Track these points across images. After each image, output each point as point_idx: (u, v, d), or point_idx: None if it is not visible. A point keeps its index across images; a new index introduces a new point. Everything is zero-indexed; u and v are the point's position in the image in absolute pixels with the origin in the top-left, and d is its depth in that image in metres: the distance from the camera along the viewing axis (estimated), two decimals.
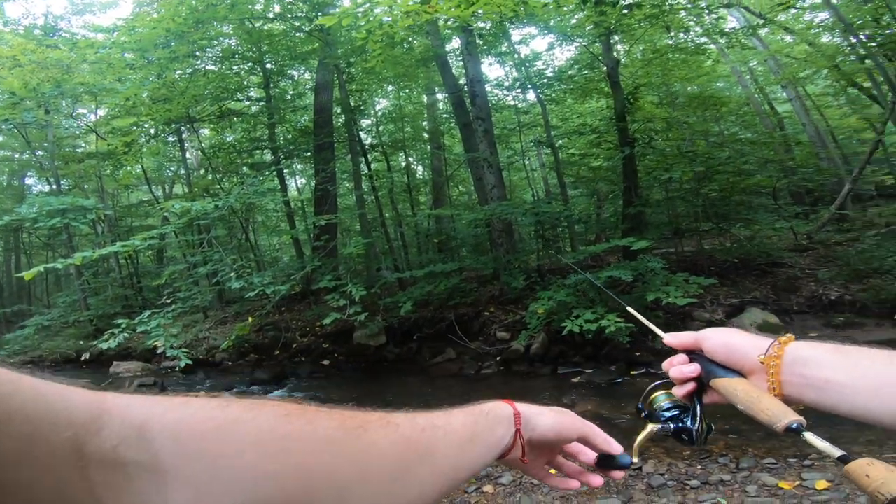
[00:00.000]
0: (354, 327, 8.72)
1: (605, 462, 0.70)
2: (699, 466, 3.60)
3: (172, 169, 16.31)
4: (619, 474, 0.70)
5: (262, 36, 9.84)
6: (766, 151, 9.47)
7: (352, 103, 10.59)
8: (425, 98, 14.32)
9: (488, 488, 3.54)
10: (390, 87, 12.97)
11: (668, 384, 0.77)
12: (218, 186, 11.90)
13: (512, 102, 12.51)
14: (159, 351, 6.72)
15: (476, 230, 10.05)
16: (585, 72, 10.20)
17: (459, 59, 10.66)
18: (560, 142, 10.62)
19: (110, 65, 9.37)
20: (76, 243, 13.45)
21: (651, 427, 0.72)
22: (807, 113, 12.63)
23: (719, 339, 0.69)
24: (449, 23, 8.03)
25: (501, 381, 6.77)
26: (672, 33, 8.88)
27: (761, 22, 9.62)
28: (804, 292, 7.27)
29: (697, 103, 9.36)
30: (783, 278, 7.64)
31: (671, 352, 0.76)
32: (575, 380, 6.26)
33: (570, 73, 10.36)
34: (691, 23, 8.57)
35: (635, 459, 0.70)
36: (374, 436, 0.44)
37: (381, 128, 12.63)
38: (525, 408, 0.64)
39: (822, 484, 3.05)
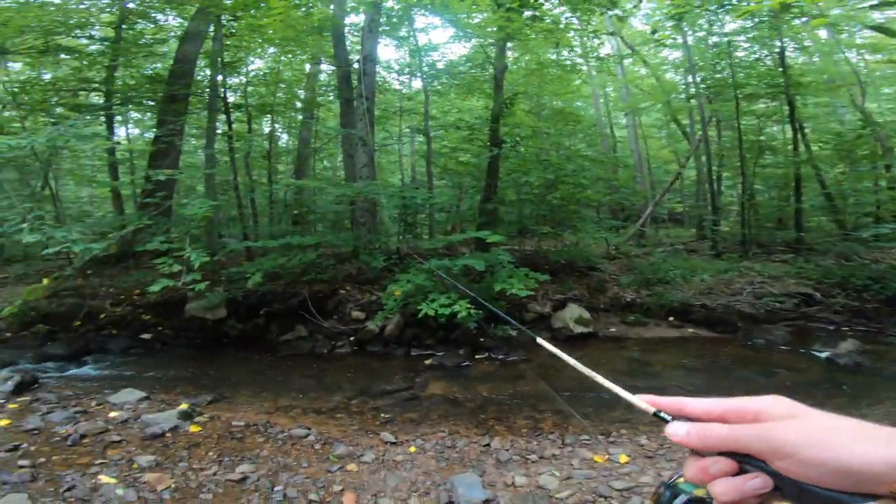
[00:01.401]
0: (187, 298, 7.77)
1: None
2: (535, 442, 3.96)
3: None
4: None
5: None
6: (600, 169, 10.92)
7: (226, 59, 9.43)
8: (307, 67, 13.41)
9: (352, 466, 3.45)
10: (272, 49, 11.83)
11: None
12: (19, 125, 9.64)
13: (397, 86, 12.37)
14: None
15: (338, 206, 9.73)
16: (475, 70, 10.56)
17: (356, 34, 10.19)
18: (435, 133, 10.84)
19: None
20: None
21: None
22: (636, 140, 14.97)
23: (814, 451, 0.44)
24: None
25: (355, 361, 6.65)
26: (558, 48, 9.66)
27: (628, 52, 11.03)
28: (609, 293, 8.62)
29: (560, 117, 10.36)
30: (596, 280, 8.92)
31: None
32: (427, 362, 6.44)
33: (460, 68, 10.64)
34: (575, 43, 9.44)
35: None
36: None
37: (250, 88, 11.45)
38: None
39: (623, 458, 3.54)
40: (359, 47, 9.75)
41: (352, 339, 7.13)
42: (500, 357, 6.54)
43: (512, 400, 5.09)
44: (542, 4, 7.18)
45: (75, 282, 8.69)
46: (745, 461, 0.48)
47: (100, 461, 3.33)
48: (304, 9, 9.09)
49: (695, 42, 10.91)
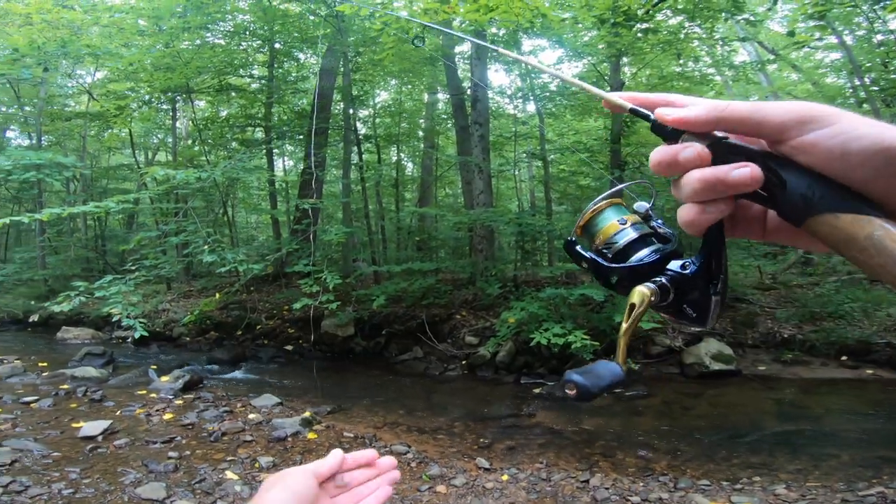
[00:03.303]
0: (323, 315, 8.61)
1: None
2: (641, 483, 3.64)
3: (159, 136, 16.02)
4: None
5: (276, 15, 9.78)
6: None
7: (354, 92, 10.56)
8: (426, 96, 14.37)
9: (441, 488, 3.51)
10: (393, 81, 12.97)
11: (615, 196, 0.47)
12: (204, 159, 11.71)
13: (510, 111, 12.59)
14: (114, 319, 6.51)
15: (457, 233, 10.06)
16: None
17: (466, 62, 10.69)
18: (552, 156, 10.73)
19: (121, 29, 9.26)
20: (45, 199, 13.06)
21: (642, 295, 0.41)
22: None
23: (826, 130, 0.34)
24: (463, 25, 8.08)
25: (464, 384, 6.75)
26: (682, 61, 9.02)
27: (772, 58, 9.85)
28: (760, 328, 7.60)
29: None
30: (743, 313, 7.91)
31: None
32: (536, 390, 6.28)
33: (574, 88, 10.48)
34: (702, 52, 8.72)
35: (624, 367, 0.43)
36: None
37: (377, 120, 12.59)
38: None
39: None
40: (470, 75, 10.12)
41: (463, 363, 7.25)
42: (616, 391, 6.10)
43: (623, 436, 4.73)
44: (653, 16, 6.76)
45: (241, 296, 10.20)
46: (734, 151, 0.37)
47: (230, 458, 3.83)
48: (414, 41, 9.80)
49: (855, 42, 9.30)
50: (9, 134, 18.80)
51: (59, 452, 3.69)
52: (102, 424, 4.17)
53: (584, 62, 10.58)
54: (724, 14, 6.84)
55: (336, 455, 0.69)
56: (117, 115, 10.90)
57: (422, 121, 14.32)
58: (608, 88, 9.09)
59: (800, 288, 9.08)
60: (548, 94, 10.57)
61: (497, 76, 21.19)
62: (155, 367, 6.56)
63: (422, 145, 14.13)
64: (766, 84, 12.05)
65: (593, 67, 9.90)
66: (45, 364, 6.75)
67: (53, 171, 8.63)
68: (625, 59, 9.50)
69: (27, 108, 14.26)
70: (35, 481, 3.19)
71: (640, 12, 6.20)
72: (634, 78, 10.82)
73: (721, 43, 8.21)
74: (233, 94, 12.14)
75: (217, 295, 9.96)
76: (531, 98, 10.65)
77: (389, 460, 0.75)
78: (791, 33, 6.37)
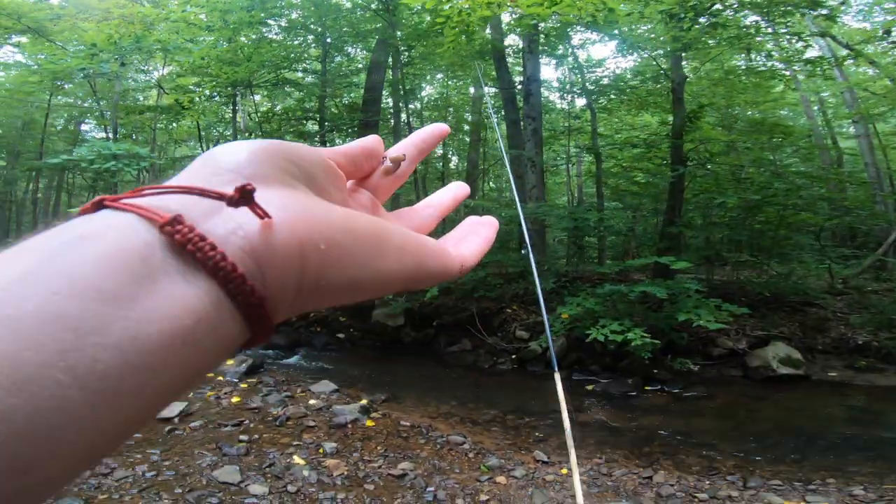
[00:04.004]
0: (374, 305, 8.80)
1: None
2: (707, 482, 3.57)
3: (220, 129, 16.76)
4: None
5: (328, 9, 10.00)
6: (821, 188, 9.15)
7: (406, 86, 10.71)
8: (472, 90, 14.37)
9: (501, 479, 3.54)
10: (439, 75, 13.03)
11: None
12: None
13: (559, 105, 12.35)
14: None
15: (506, 227, 10.01)
16: (648, 84, 9.96)
17: (515, 55, 10.57)
18: (607, 150, 10.46)
19: (189, 24, 9.72)
20: (120, 189, 13.94)
21: None
22: (871, 152, 12.06)
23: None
24: (513, 18, 8.00)
25: (514, 378, 6.75)
26: (752, 55, 8.56)
27: (848, 53, 9.18)
28: (832, 333, 7.37)
29: (759, 129, 9.05)
30: (813, 318, 7.61)
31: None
32: (589, 387, 6.21)
33: (632, 83, 10.16)
34: (770, 46, 8.27)
35: None
36: None
37: (425, 113, 12.70)
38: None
39: None
40: (519, 69, 9.97)
41: (513, 356, 7.25)
42: (674, 390, 6.00)
43: (684, 436, 4.62)
44: (721, 11, 6.42)
45: None
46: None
47: (296, 443, 3.98)
48: (468, 35, 9.79)
49: None
50: (83, 127, 20.20)
51: (139, 433, 3.95)
52: (178, 406, 4.39)
53: (636, 55, 10.22)
54: (798, 10, 6.43)
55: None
56: (190, 108, 11.49)
57: (467, 115, 14.32)
58: (670, 84, 8.77)
59: (875, 294, 8.56)
60: (600, 87, 10.31)
61: (545, 69, 20.92)
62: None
63: (467, 139, 14.13)
64: (841, 79, 11.21)
65: (653, 61, 9.54)
66: None
67: (131, 162, 9.20)
68: (685, 53, 9.11)
69: (102, 102, 15.28)
70: (119, 463, 3.31)
71: (713, 7, 5.91)
72: (694, 71, 10.37)
73: (792, 39, 7.72)
74: (287, 87, 12.58)
75: None
76: (579, 92, 10.40)
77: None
78: (888, 31, 5.90)
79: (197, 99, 11.64)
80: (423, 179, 11.63)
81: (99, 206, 0.21)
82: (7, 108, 17.11)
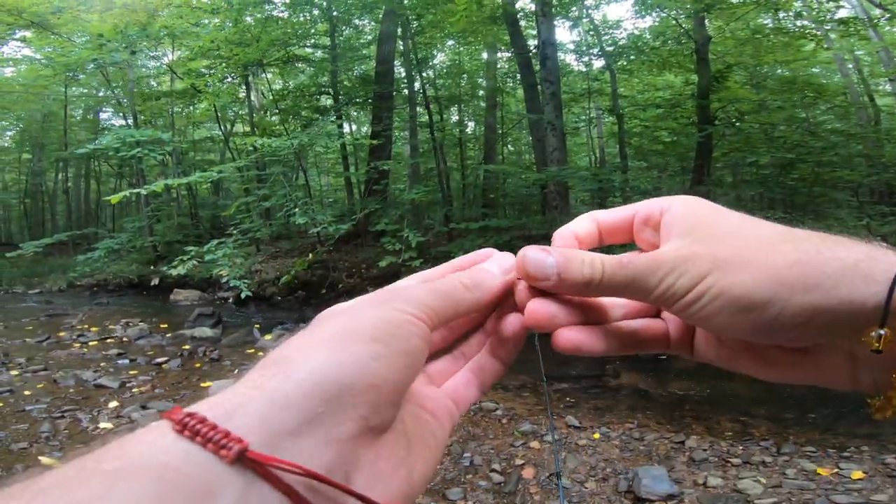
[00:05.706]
0: (401, 273, 8.91)
1: None
2: (741, 447, 3.61)
3: (235, 109, 16.83)
4: None
5: None
6: (857, 145, 8.79)
7: (418, 55, 10.52)
8: (485, 55, 14.02)
9: (534, 444, 3.66)
10: (450, 42, 12.75)
11: None
12: (280, 127, 12.24)
13: (576, 67, 12.00)
14: (223, 280, 7.10)
15: (526, 190, 9.95)
16: (670, 44, 9.57)
17: (528, 20, 10.25)
18: (628, 111, 10.16)
19: (193, 8, 9.67)
20: (146, 173, 14.23)
21: None
22: None
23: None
24: None
25: (544, 343, 6.80)
26: (781, 14, 8.11)
27: (882, 13, 8.61)
28: None
29: (792, 88, 8.67)
30: None
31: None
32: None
33: (654, 44, 9.77)
34: (799, 4, 7.81)
35: None
36: None
37: (439, 81, 12.49)
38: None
39: (857, 474, 3.11)
40: (533, 32, 9.68)
41: None
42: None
43: (716, 401, 4.64)
44: None
45: (322, 256, 10.76)
46: None
47: None
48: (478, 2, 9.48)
49: None
50: (102, 115, 20.49)
51: None
52: (226, 384, 4.63)
53: (655, 15, 9.76)
54: None
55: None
56: (205, 91, 11.56)
57: (481, 80, 14.05)
58: (687, 43, 8.38)
59: None
60: (620, 49, 9.94)
61: (561, 32, 20.19)
62: (258, 325, 7.17)
63: (482, 104, 13.90)
64: (876, 39, 10.52)
65: (675, 22, 9.12)
66: (165, 326, 7.55)
67: (155, 147, 9.38)
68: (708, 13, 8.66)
69: (117, 91, 15.43)
70: None
71: None
72: (718, 31, 9.88)
73: None
74: (298, 64, 12.49)
75: (311, 255, 10.49)
76: (598, 54, 10.06)
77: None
78: None
79: (210, 82, 11.67)
80: (441, 147, 11.53)
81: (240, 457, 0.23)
82: (25, 103, 17.45)
